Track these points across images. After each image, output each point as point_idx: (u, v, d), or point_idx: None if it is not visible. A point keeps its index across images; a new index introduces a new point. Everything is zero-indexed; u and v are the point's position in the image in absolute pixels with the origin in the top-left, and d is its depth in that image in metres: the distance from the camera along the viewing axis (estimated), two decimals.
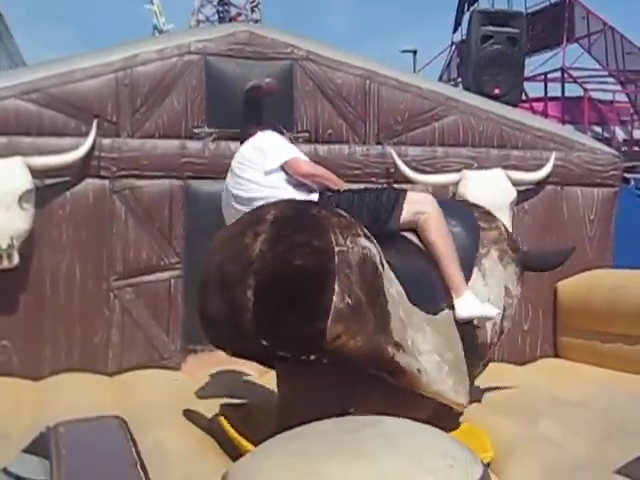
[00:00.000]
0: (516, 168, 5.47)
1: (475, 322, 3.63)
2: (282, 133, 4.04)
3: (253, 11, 25.50)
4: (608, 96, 15.46)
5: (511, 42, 11.41)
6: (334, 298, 2.83)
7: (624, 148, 14.00)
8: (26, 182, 4.55)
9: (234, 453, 3.04)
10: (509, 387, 4.31)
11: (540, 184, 5.56)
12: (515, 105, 10.22)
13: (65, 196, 4.80)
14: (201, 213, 4.89)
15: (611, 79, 15.92)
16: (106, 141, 4.87)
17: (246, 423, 3.30)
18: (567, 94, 15.29)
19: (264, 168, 3.73)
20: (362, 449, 1.76)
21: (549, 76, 15.35)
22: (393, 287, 3.13)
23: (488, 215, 4.08)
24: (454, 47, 16.49)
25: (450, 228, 3.68)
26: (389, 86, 5.36)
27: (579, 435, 3.53)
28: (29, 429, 2.92)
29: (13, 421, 3.69)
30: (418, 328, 3.22)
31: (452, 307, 3.51)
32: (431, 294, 3.44)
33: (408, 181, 5.11)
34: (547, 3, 15.93)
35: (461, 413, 3.53)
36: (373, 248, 3.06)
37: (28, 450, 2.45)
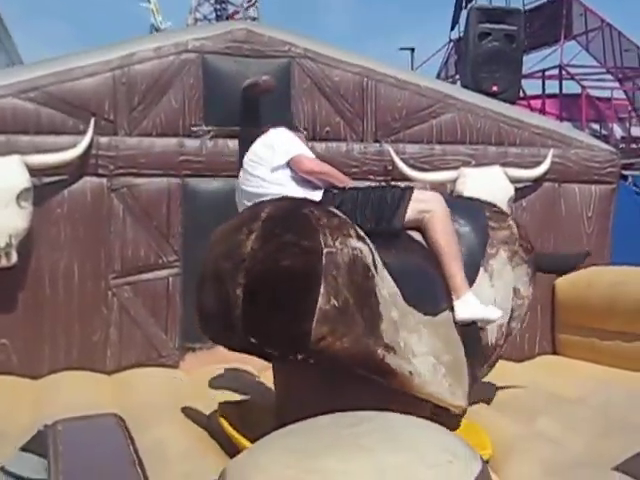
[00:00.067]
0: (514, 165, 5.47)
1: (479, 323, 3.59)
2: (299, 130, 4.09)
3: (248, 10, 25.49)
4: (606, 93, 15.46)
5: (509, 39, 11.44)
6: (320, 300, 2.83)
7: (622, 145, 13.99)
8: (24, 180, 4.54)
9: (233, 451, 3.04)
10: (507, 384, 4.31)
11: (538, 181, 5.57)
12: (513, 102, 10.25)
13: (63, 194, 4.79)
14: (199, 211, 4.90)
15: (609, 76, 15.90)
16: (104, 139, 4.86)
17: (245, 421, 3.31)
18: (565, 91, 15.28)
19: (272, 165, 3.74)
20: (361, 444, 1.76)
21: (547, 73, 15.34)
22: (386, 288, 3.10)
23: (500, 214, 4.02)
24: (452, 44, 16.48)
25: (458, 227, 3.65)
26: (387, 84, 5.36)
27: (577, 432, 3.53)
28: (28, 427, 2.92)
29: (12, 419, 3.69)
30: (413, 330, 3.20)
31: (453, 308, 3.47)
32: (431, 295, 3.42)
33: (406, 179, 5.11)
34: (545, 0, 15.92)
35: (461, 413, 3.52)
36: (365, 249, 3.04)
37: (26, 448, 2.46)
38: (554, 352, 5.53)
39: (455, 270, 3.48)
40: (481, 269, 3.71)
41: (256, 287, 2.94)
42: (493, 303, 3.65)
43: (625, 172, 10.16)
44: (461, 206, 3.84)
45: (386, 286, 3.11)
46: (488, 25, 11.53)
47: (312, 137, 5.14)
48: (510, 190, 5.34)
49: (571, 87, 15.27)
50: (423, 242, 3.54)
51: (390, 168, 5.27)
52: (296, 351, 2.94)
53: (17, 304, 4.71)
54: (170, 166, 4.97)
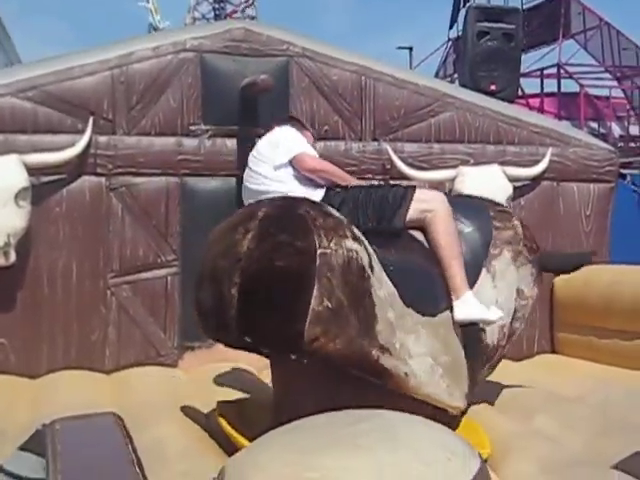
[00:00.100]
0: (512, 164, 5.47)
1: (481, 324, 3.57)
2: (307, 129, 4.11)
3: (246, 9, 25.49)
4: (604, 92, 15.47)
5: (507, 38, 11.44)
6: (313, 301, 2.82)
7: (620, 144, 14.00)
8: (22, 180, 4.54)
9: (232, 449, 3.03)
10: (506, 383, 4.31)
11: (536, 180, 5.57)
12: (511, 101, 10.26)
13: (61, 193, 4.79)
14: (197, 210, 4.90)
15: (607, 75, 15.90)
16: (102, 138, 4.86)
17: (243, 419, 3.31)
18: (563, 90, 15.29)
19: (274, 163, 3.75)
20: (359, 442, 1.76)
21: (545, 72, 15.35)
22: (383, 289, 3.09)
23: (504, 214, 3.97)
24: (450, 43, 16.46)
25: (461, 227, 3.64)
26: (385, 82, 5.36)
27: (576, 431, 3.53)
28: (26, 427, 2.91)
29: (10, 419, 3.69)
30: (411, 330, 3.19)
31: (453, 309, 3.46)
32: (431, 295, 3.40)
33: (404, 177, 5.11)
34: None
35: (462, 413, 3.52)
36: (361, 250, 3.03)
37: (24, 447, 2.46)
38: (553, 351, 5.53)
39: (455, 270, 3.45)
40: (483, 270, 3.67)
41: (251, 286, 2.94)
42: (495, 304, 3.62)
43: (623, 171, 10.18)
44: (465, 205, 3.82)
45: (383, 287, 3.10)
46: (486, 24, 11.53)
47: None
48: (509, 189, 5.34)
49: (569, 86, 15.29)
50: (424, 242, 3.53)
51: (389, 167, 5.27)
52: (289, 351, 2.95)
53: (15, 303, 4.71)
54: (168, 165, 4.97)
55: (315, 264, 2.86)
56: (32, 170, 4.61)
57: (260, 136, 4.17)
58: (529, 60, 14.98)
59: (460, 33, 13.87)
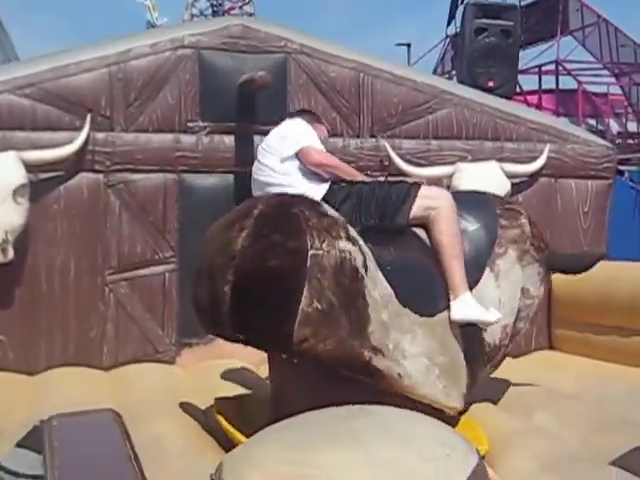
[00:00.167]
0: (510, 160, 5.48)
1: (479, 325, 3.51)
2: (322, 123, 4.11)
3: (242, 8, 25.43)
4: (602, 89, 15.44)
5: (505, 35, 11.40)
6: (302, 302, 2.83)
7: (618, 140, 13.99)
8: (20, 176, 4.54)
9: (230, 446, 3.04)
10: (504, 380, 4.31)
11: (534, 176, 5.58)
12: (509, 98, 10.23)
13: (59, 190, 4.79)
14: (195, 207, 4.90)
15: (605, 72, 15.89)
16: (100, 135, 4.86)
17: (241, 416, 3.31)
18: (561, 87, 15.27)
19: (281, 155, 3.74)
20: (356, 438, 1.76)
21: (543, 69, 15.32)
22: (378, 290, 3.08)
23: (512, 212, 3.88)
24: (448, 40, 16.43)
25: (465, 225, 3.60)
26: (383, 79, 5.36)
27: (573, 427, 3.54)
28: (24, 424, 2.92)
29: (8, 416, 3.68)
30: (407, 330, 3.18)
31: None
32: (430, 294, 3.37)
33: (402, 174, 5.11)
34: None
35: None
36: (355, 251, 3.02)
37: (22, 444, 2.46)
38: (550, 347, 5.53)
39: (455, 269, 3.40)
40: (487, 268, 3.62)
41: (244, 285, 2.95)
42: (498, 303, 3.58)
43: (621, 167, 10.16)
44: (471, 202, 3.77)
45: (378, 287, 3.09)
46: (484, 20, 11.49)
47: None
48: (506, 185, 5.34)
49: (567, 82, 15.27)
50: (426, 239, 3.49)
51: (387, 163, 5.27)
52: (280, 350, 2.97)
53: (13, 300, 4.70)
54: (166, 162, 4.96)
55: (306, 265, 2.86)
56: (30, 167, 4.60)
57: (258, 132, 4.17)
58: (527, 57, 14.96)
59: (458, 30, 13.84)
